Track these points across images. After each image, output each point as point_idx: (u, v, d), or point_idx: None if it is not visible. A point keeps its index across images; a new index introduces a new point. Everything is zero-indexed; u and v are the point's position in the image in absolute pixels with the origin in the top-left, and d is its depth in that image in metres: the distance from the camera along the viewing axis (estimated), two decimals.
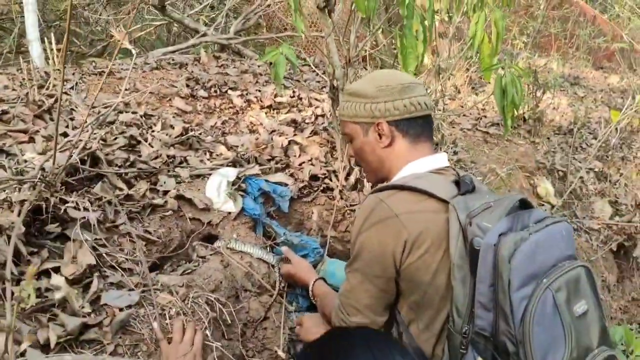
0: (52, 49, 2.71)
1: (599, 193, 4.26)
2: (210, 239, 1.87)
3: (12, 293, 1.04)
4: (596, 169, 4.53)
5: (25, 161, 1.61)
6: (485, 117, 4.46)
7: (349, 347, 0.91)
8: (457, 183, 1.39)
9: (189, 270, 1.62)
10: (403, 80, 1.43)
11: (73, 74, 2.95)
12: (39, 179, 1.31)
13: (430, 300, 1.33)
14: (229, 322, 1.54)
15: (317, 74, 4.10)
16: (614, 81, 7.24)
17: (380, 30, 3.12)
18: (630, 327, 1.91)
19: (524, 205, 1.33)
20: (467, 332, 1.24)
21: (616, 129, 4.92)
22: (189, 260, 1.73)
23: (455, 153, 3.05)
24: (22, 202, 1.33)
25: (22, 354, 1.04)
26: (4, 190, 1.32)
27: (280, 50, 1.99)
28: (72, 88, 2.60)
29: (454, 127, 3.97)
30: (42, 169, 1.48)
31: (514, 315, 1.14)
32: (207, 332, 1.40)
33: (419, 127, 1.45)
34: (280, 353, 1.59)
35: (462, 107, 4.70)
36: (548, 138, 4.61)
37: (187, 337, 1.31)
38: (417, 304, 1.34)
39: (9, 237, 1.25)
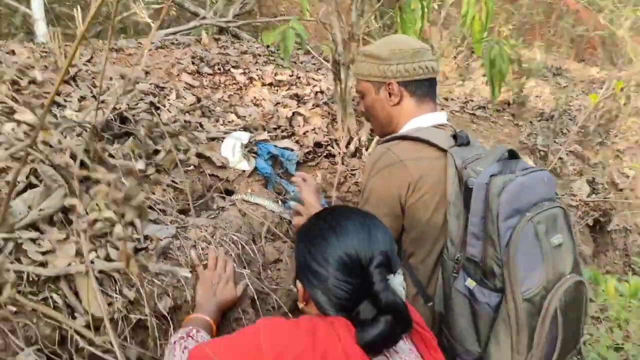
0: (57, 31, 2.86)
1: (578, 173, 4.52)
2: (227, 193, 2.06)
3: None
4: (575, 151, 4.79)
5: (64, 117, 1.78)
6: (472, 101, 4.70)
7: (345, 211, 1.17)
8: (454, 137, 1.60)
9: (212, 216, 1.81)
10: (415, 46, 1.63)
11: (85, 49, 3.11)
12: (92, 125, 1.50)
13: (428, 235, 1.54)
14: (250, 260, 1.74)
15: (313, 57, 4.29)
16: (594, 72, 7.53)
17: (373, 16, 3.32)
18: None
19: (512, 156, 1.55)
20: (459, 259, 1.45)
21: (595, 115, 5.19)
22: (209, 209, 1.92)
23: None
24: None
25: (92, 262, 1.23)
26: (61, 134, 1.50)
27: (289, 24, 2.18)
28: (88, 61, 2.76)
29: (442, 109, 4.19)
30: (85, 122, 1.66)
31: (500, 241, 1.35)
32: (235, 263, 1.59)
33: (425, 88, 1.65)
34: (294, 289, 1.78)
35: (450, 93, 4.93)
36: (531, 122, 4.85)
37: (220, 264, 1.51)
38: (417, 239, 1.55)
39: (63, 176, 1.44)
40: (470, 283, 1.40)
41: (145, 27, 5.35)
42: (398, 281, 1.10)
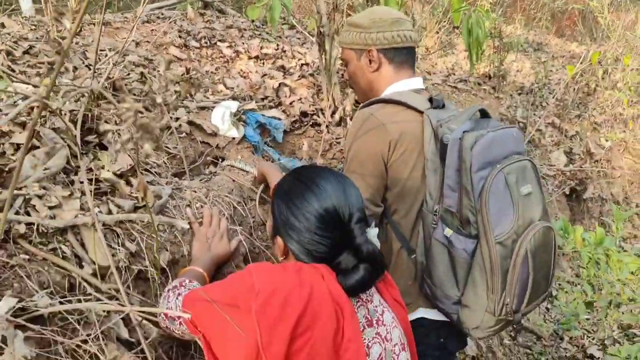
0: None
1: (555, 144, 4.67)
2: (217, 159, 2.15)
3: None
4: (554, 124, 4.94)
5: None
6: (454, 74, 4.80)
7: (319, 170, 1.27)
8: (430, 100, 1.71)
9: (205, 180, 1.90)
10: (394, 16, 1.74)
11: (72, 22, 3.14)
12: (90, 89, 1.57)
13: (408, 191, 1.65)
14: (241, 221, 1.84)
15: (298, 31, 4.35)
16: (574, 47, 7.66)
17: None
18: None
19: (484, 115, 1.66)
20: (437, 210, 1.57)
21: (574, 89, 5.32)
22: (201, 174, 2.01)
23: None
24: (71, 111, 1.59)
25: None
26: (59, 99, 1.57)
27: None
28: (77, 34, 2.80)
29: (425, 81, 4.29)
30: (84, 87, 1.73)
31: (474, 191, 1.47)
32: (225, 218, 1.69)
33: (403, 56, 1.76)
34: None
35: (433, 66, 5.02)
36: (511, 95, 4.98)
37: (214, 220, 1.61)
38: (399, 195, 1.66)
39: (63, 138, 1.51)
40: (448, 232, 1.52)
41: (130, 2, 5.35)
42: (373, 233, 1.22)
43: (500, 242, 1.46)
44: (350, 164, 1.69)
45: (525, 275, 1.48)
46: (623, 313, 2.43)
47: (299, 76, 2.90)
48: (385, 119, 1.63)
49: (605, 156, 5.02)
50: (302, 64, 3.24)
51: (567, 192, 4.29)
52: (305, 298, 1.06)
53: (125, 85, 2.07)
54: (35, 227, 1.22)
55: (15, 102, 1.70)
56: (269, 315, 1.03)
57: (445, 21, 5.68)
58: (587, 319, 3.21)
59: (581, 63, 4.85)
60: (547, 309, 3.55)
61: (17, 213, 1.23)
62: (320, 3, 2.53)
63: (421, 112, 1.63)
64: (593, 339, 3.23)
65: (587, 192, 4.32)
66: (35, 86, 1.63)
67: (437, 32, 5.74)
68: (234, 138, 2.19)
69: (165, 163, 1.84)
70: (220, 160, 2.13)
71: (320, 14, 2.53)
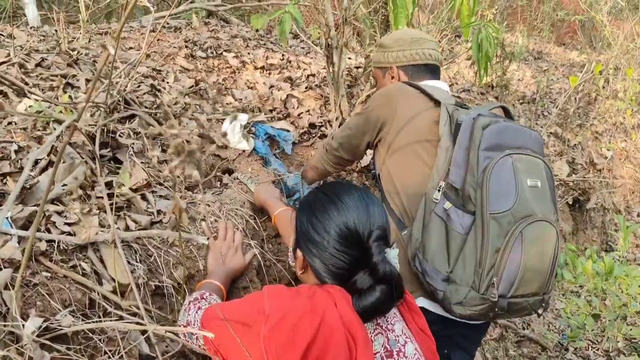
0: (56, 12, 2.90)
1: (558, 154, 4.68)
2: (227, 172, 2.16)
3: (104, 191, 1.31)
4: (556, 133, 4.95)
5: (70, 97, 1.86)
6: (457, 84, 4.82)
7: (345, 186, 1.26)
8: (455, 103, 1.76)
9: (217, 193, 1.91)
10: (414, 35, 1.84)
11: (80, 33, 3.15)
12: (106, 105, 1.58)
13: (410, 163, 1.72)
14: (253, 233, 1.84)
15: (302, 41, 4.37)
16: (574, 56, 7.70)
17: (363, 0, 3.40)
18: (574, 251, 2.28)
19: (507, 114, 1.74)
20: (441, 186, 1.59)
21: (575, 98, 5.35)
22: (213, 187, 2.02)
23: None
24: (85, 125, 1.59)
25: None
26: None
27: (286, 9, 2.26)
28: (85, 45, 2.81)
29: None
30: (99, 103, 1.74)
31: (478, 167, 1.51)
32: (239, 231, 1.70)
33: (423, 73, 1.85)
34: (291, 262, 1.89)
35: None
36: (513, 105, 5.00)
37: (229, 234, 1.61)
38: (397, 165, 1.75)
39: (79, 154, 1.52)
40: (447, 205, 1.54)
41: (134, 10, 5.36)
42: (393, 254, 1.19)
43: (495, 218, 1.47)
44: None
45: (517, 260, 1.47)
46: (630, 326, 2.44)
47: (306, 87, 2.91)
48: (401, 94, 1.75)
49: (607, 165, 5.03)
50: (308, 75, 3.25)
51: (570, 202, 4.30)
52: (316, 325, 1.04)
53: (138, 97, 2.08)
54: (56, 245, 1.23)
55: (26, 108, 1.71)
56: (277, 341, 1.03)
57: (447, 30, 5.71)
58: (592, 330, 3.22)
59: (585, 73, 4.88)
60: (553, 318, 3.56)
61: (37, 230, 1.24)
62: (329, 16, 2.55)
63: (438, 102, 1.69)
64: (598, 349, 3.24)
65: (590, 202, 4.33)
66: (49, 102, 1.63)
67: (440, 41, 5.77)
68: (244, 150, 2.20)
69: (179, 176, 1.85)
70: (228, 173, 2.13)
71: (329, 26, 2.55)
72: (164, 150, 1.94)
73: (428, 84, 1.81)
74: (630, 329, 2.32)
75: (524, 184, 1.51)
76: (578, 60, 7.61)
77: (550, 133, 4.86)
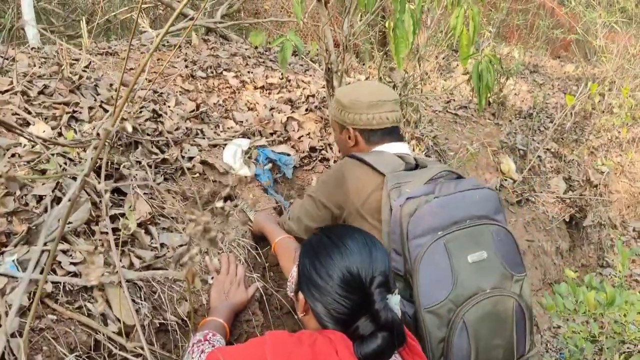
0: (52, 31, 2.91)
1: (555, 170, 4.72)
2: (228, 199, 2.16)
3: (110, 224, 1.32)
4: (552, 149, 4.99)
5: (74, 131, 1.87)
6: (454, 100, 4.85)
7: (349, 230, 1.28)
8: (415, 160, 1.70)
9: (219, 222, 1.91)
10: (372, 99, 1.75)
11: (80, 54, 3.16)
12: (109, 139, 1.59)
13: None
14: (254, 263, 1.85)
15: (301, 58, 4.40)
16: (569, 70, 7.76)
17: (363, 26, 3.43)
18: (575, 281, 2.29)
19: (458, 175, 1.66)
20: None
21: (570, 114, 5.39)
22: (215, 215, 2.02)
23: (431, 131, 3.40)
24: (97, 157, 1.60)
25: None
26: (82, 150, 1.59)
27: (287, 37, 2.28)
28: (86, 67, 2.83)
29: (426, 110, 4.33)
30: (98, 134, 1.75)
31: (410, 257, 1.46)
32: (242, 265, 1.70)
33: (380, 137, 1.77)
34: (290, 293, 1.90)
35: (433, 90, 5.07)
36: (510, 120, 5.03)
37: (231, 268, 1.62)
38: None
39: (85, 190, 1.53)
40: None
41: (131, 25, 5.38)
42: (395, 300, 1.18)
43: (431, 310, 1.41)
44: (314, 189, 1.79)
45: (464, 346, 1.42)
46: (628, 349, 2.46)
47: (306, 109, 2.93)
48: (350, 175, 1.67)
49: (603, 181, 5.07)
50: (307, 95, 3.27)
51: (567, 220, 4.33)
52: None
53: (140, 125, 2.09)
54: (61, 286, 1.23)
55: (33, 146, 1.71)
56: None
57: (443, 46, 5.75)
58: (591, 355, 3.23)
59: (577, 86, 4.92)
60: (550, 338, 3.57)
61: (42, 271, 1.24)
62: (329, 41, 2.57)
63: (383, 175, 1.61)
64: None
65: (587, 219, 4.36)
66: (55, 143, 1.64)
67: (436, 57, 5.81)
68: (246, 176, 2.21)
69: (181, 207, 1.86)
70: (229, 200, 2.14)
71: (329, 51, 2.57)
72: (166, 179, 1.95)
73: (383, 148, 1.75)
74: (629, 352, 2.33)
75: (463, 263, 1.44)
76: (574, 74, 7.66)
77: (547, 149, 4.89)
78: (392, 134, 1.79)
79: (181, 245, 1.62)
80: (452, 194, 1.51)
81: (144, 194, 1.75)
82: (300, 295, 1.25)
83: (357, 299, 1.16)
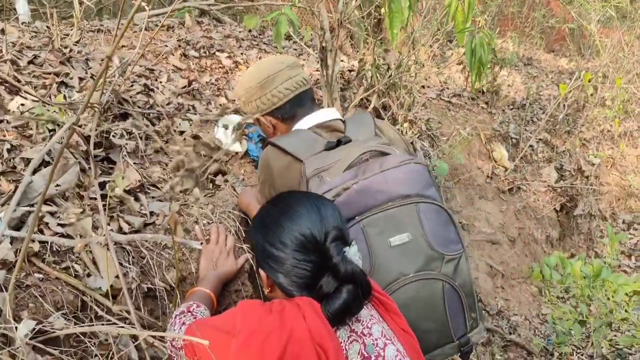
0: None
1: (547, 160, 4.73)
2: (220, 174, 2.15)
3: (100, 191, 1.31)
4: (545, 139, 5.00)
5: (64, 97, 1.85)
6: (447, 88, 4.85)
7: (293, 195, 1.27)
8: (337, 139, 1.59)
9: (210, 195, 1.91)
10: (261, 77, 1.67)
11: (71, 29, 3.13)
12: (101, 105, 1.57)
13: None
14: (245, 236, 1.84)
15: (295, 42, 4.37)
16: (563, 63, 7.78)
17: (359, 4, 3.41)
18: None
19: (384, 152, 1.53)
20: None
21: (563, 105, 5.40)
22: (206, 189, 2.01)
23: (425, 114, 3.40)
24: (81, 126, 1.58)
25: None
26: (72, 113, 1.57)
27: (282, 11, 2.26)
28: (77, 42, 2.79)
29: (420, 95, 4.33)
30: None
31: None
32: (232, 235, 1.70)
33: (291, 109, 1.70)
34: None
35: (427, 79, 5.06)
36: (503, 110, 5.04)
37: (221, 238, 1.61)
38: None
39: (73, 154, 1.51)
40: None
41: (127, 7, 5.33)
42: (353, 251, 1.16)
43: None
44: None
45: None
46: (615, 332, 2.48)
47: None
48: (273, 163, 1.62)
49: (594, 172, 5.09)
50: None
51: (558, 208, 4.35)
52: (284, 341, 1.04)
53: (131, 97, 2.07)
54: (49, 246, 1.22)
55: (22, 112, 1.69)
56: (246, 357, 1.03)
57: (439, 35, 5.74)
58: (578, 337, 3.26)
59: (571, 79, 4.93)
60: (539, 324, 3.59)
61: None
62: (324, 19, 2.55)
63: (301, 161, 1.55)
64: (582, 355, 3.27)
65: (577, 209, 4.38)
66: (44, 102, 1.61)
67: (431, 46, 5.81)
68: (237, 152, 2.19)
69: (171, 178, 1.84)
70: (221, 175, 2.13)
71: (324, 29, 2.55)
72: (156, 152, 1.93)
73: (302, 124, 1.68)
74: (615, 336, 2.35)
75: (383, 247, 1.37)
76: (567, 67, 7.68)
77: (539, 139, 4.90)
78: (303, 101, 1.71)
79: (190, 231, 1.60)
80: (374, 175, 1.43)
81: (134, 163, 1.74)
82: (262, 272, 1.22)
83: (315, 258, 1.14)
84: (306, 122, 1.68)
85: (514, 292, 3.83)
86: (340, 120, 1.71)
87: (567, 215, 4.52)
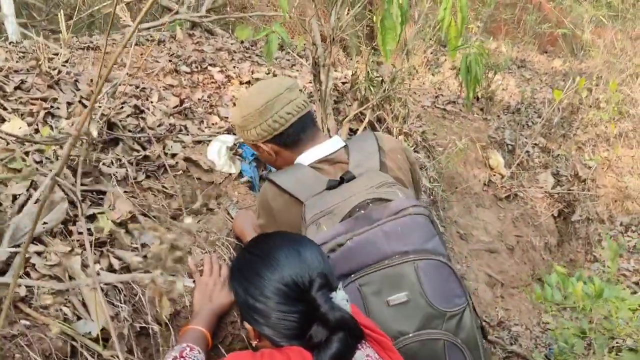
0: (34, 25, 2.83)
1: (543, 165, 4.71)
2: (214, 196, 2.11)
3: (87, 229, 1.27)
4: (540, 144, 4.98)
5: (51, 127, 1.80)
6: (442, 95, 4.82)
7: (270, 239, 1.20)
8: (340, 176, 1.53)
9: (204, 220, 1.86)
10: (261, 102, 1.57)
11: (61, 47, 3.08)
12: (87, 137, 1.53)
13: None
14: None
15: (287, 52, 4.34)
16: (557, 65, 7.77)
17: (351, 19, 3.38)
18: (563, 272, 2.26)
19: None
20: None
21: (558, 108, 5.39)
22: (199, 213, 1.97)
23: (420, 126, 3.37)
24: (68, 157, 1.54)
25: (98, 273, 1.27)
26: (58, 147, 1.53)
27: (272, 28, 2.23)
28: (66, 62, 2.75)
29: (414, 105, 4.30)
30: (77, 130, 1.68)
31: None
32: (226, 265, 1.66)
33: (294, 134, 1.61)
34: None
35: (421, 85, 5.04)
36: (498, 116, 5.01)
37: (215, 268, 1.57)
38: None
39: (61, 188, 1.47)
40: None
41: (116, 21, 5.29)
42: (340, 296, 1.11)
43: None
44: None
45: None
46: (618, 345, 2.45)
47: None
48: (274, 204, 1.55)
49: (591, 175, 5.07)
50: None
51: (556, 214, 4.33)
52: None
53: (120, 121, 2.02)
54: (36, 289, 1.18)
55: (8, 143, 1.65)
56: None
57: (432, 40, 5.72)
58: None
59: (564, 80, 4.91)
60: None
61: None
62: (316, 34, 2.52)
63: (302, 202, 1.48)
64: None
65: (575, 214, 4.36)
66: (29, 141, 1.57)
67: (424, 52, 5.78)
68: (230, 174, 2.15)
69: (164, 206, 1.80)
70: (214, 198, 2.09)
71: (316, 45, 2.52)
72: (148, 177, 1.89)
73: (306, 156, 1.60)
74: (620, 350, 2.32)
75: (380, 306, 1.32)
76: (561, 68, 7.68)
77: (535, 144, 4.88)
78: (306, 125, 1.62)
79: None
80: (370, 230, 1.36)
81: (125, 192, 1.70)
82: (247, 325, 1.17)
83: (301, 308, 1.09)
84: (308, 156, 1.60)
85: (514, 301, 3.80)
86: (344, 146, 1.64)
87: (565, 221, 4.49)
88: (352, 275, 1.33)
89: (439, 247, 1.40)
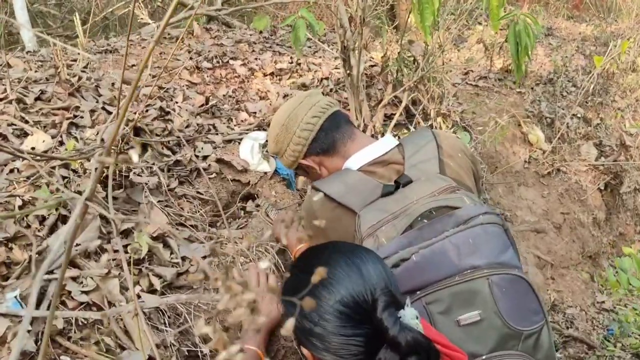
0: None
1: (584, 137, 4.48)
2: (249, 198, 1.99)
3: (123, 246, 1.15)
4: (579, 115, 4.74)
5: (75, 139, 1.70)
6: (472, 71, 4.61)
7: (324, 253, 1.06)
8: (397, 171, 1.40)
9: (242, 225, 1.75)
10: (282, 119, 1.49)
11: (79, 53, 2.99)
12: (116, 146, 1.42)
13: None
14: (284, 270, 1.68)
15: (309, 39, 4.19)
16: (583, 29, 7.44)
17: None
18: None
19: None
20: None
21: (596, 75, 5.13)
22: (237, 217, 1.86)
23: (458, 105, 3.20)
24: (95, 169, 1.43)
25: (138, 296, 1.16)
26: (85, 160, 1.42)
27: (299, 13, 2.08)
28: (85, 67, 2.65)
29: (448, 83, 4.11)
30: (102, 139, 1.58)
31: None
32: (273, 275, 1.53)
33: (327, 136, 1.49)
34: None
35: (449, 62, 4.84)
36: (532, 88, 4.78)
37: (262, 280, 1.45)
38: None
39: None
40: None
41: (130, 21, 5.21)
42: (410, 315, 0.98)
43: None
44: None
45: None
46: None
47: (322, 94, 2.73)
48: (321, 216, 1.37)
49: (637, 144, 4.82)
50: (321, 78, 3.08)
51: (602, 187, 4.11)
52: None
53: (147, 125, 1.91)
54: (73, 320, 1.07)
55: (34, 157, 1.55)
56: None
57: (460, 19, 5.49)
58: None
59: (594, 45, 4.66)
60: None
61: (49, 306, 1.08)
62: (343, 16, 2.36)
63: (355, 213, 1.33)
64: None
65: (624, 186, 4.13)
66: (52, 158, 1.47)
67: (448, 29, 5.56)
68: (265, 173, 2.03)
69: (201, 213, 1.69)
70: (251, 200, 1.97)
71: (344, 27, 2.37)
72: (181, 183, 1.78)
73: (355, 160, 1.46)
74: None
75: (450, 326, 1.19)
76: (589, 33, 7.35)
77: (574, 115, 4.65)
78: (337, 123, 1.49)
79: (204, 257, 1.45)
80: (437, 243, 1.22)
81: (158, 202, 1.58)
82: (305, 350, 1.04)
83: (366, 331, 0.96)
84: (357, 160, 1.46)
85: (566, 282, 3.62)
86: (397, 145, 1.48)
87: (612, 193, 4.27)
88: (418, 292, 1.19)
89: (514, 259, 1.26)
